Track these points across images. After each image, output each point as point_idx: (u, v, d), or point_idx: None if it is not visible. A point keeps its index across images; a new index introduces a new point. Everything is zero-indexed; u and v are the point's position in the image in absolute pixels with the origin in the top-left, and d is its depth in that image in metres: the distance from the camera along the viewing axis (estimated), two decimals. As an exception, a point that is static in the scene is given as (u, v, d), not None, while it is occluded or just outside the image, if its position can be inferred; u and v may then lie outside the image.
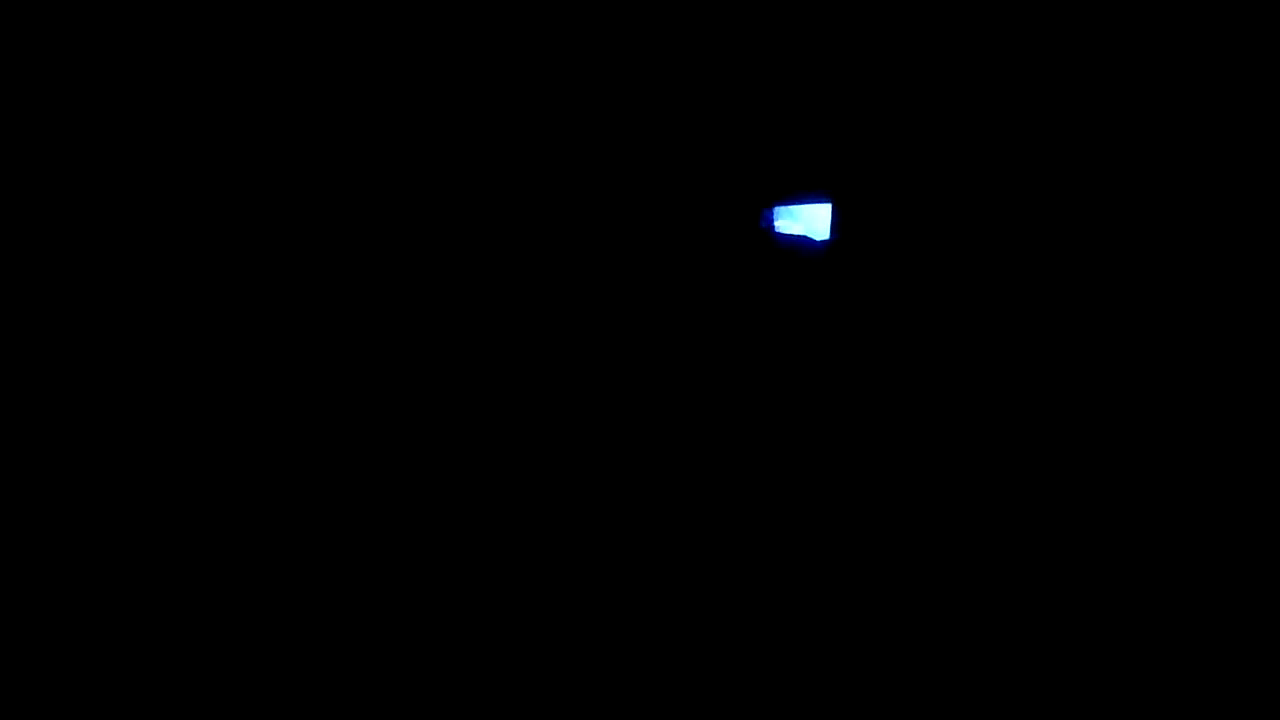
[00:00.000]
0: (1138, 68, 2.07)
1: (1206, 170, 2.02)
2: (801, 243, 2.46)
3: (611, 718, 2.11)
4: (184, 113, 2.39)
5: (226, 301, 2.44)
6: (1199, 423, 2.03)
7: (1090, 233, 2.14)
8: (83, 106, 2.33)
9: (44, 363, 2.32)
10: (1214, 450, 2.02)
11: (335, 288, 2.49)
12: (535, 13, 2.41)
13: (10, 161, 2.27)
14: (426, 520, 2.46)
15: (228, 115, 2.41)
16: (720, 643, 2.25)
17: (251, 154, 2.44)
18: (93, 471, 2.35)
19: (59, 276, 2.33)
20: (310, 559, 2.40)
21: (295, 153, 2.45)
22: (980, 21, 2.19)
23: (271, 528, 2.41)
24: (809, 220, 2.55)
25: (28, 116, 2.28)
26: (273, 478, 2.44)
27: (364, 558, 2.42)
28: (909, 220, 2.31)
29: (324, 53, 2.42)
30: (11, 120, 2.26)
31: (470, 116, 2.48)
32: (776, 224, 2.49)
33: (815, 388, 2.40)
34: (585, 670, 2.20)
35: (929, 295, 2.29)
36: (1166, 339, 2.07)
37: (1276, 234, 1.95)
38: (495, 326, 2.51)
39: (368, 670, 2.22)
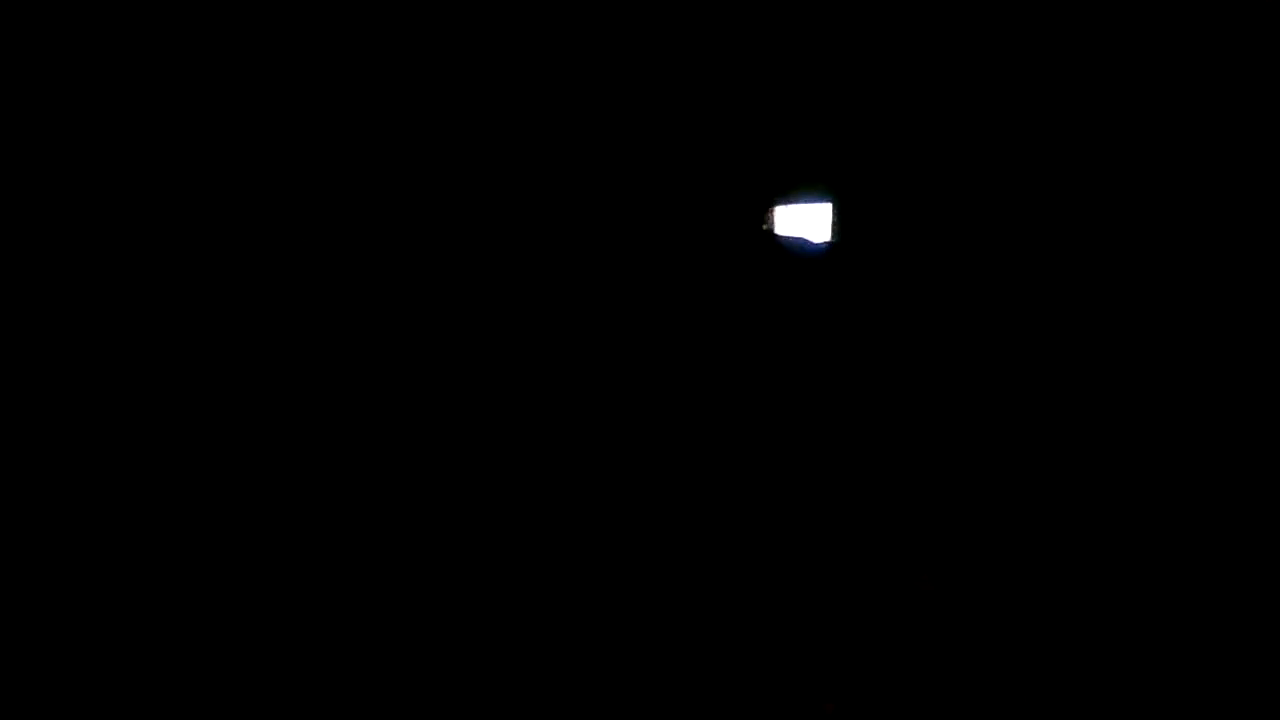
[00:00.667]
0: (1135, 69, 2.07)
1: (1204, 171, 2.02)
2: (802, 243, 2.43)
3: (611, 717, 2.08)
4: (184, 113, 2.34)
5: (227, 300, 2.41)
6: (1196, 421, 2.05)
7: (1087, 232, 2.15)
8: (83, 107, 2.27)
9: (44, 362, 2.28)
10: (1210, 447, 2.03)
11: (336, 287, 2.47)
12: (540, 15, 2.38)
13: (10, 162, 2.20)
14: (428, 516, 2.45)
15: (228, 116, 2.37)
16: (721, 639, 2.23)
17: (252, 154, 2.40)
18: (92, 469, 2.32)
19: (59, 276, 2.29)
20: (307, 554, 2.38)
21: (296, 153, 2.42)
22: (978, 25, 2.18)
23: (269, 523, 2.40)
24: (809, 220, 2.55)
25: (27, 116, 2.21)
26: (269, 472, 2.42)
27: (361, 554, 2.40)
28: (908, 221, 2.31)
29: (325, 53, 2.38)
30: (11, 120, 2.19)
31: (477, 120, 2.46)
32: (777, 225, 2.49)
33: (815, 385, 2.39)
34: (584, 668, 2.18)
35: (927, 295, 2.30)
36: (1164, 338, 2.07)
37: (1273, 234, 1.95)
38: (500, 326, 2.49)
39: (367, 668, 2.19)
